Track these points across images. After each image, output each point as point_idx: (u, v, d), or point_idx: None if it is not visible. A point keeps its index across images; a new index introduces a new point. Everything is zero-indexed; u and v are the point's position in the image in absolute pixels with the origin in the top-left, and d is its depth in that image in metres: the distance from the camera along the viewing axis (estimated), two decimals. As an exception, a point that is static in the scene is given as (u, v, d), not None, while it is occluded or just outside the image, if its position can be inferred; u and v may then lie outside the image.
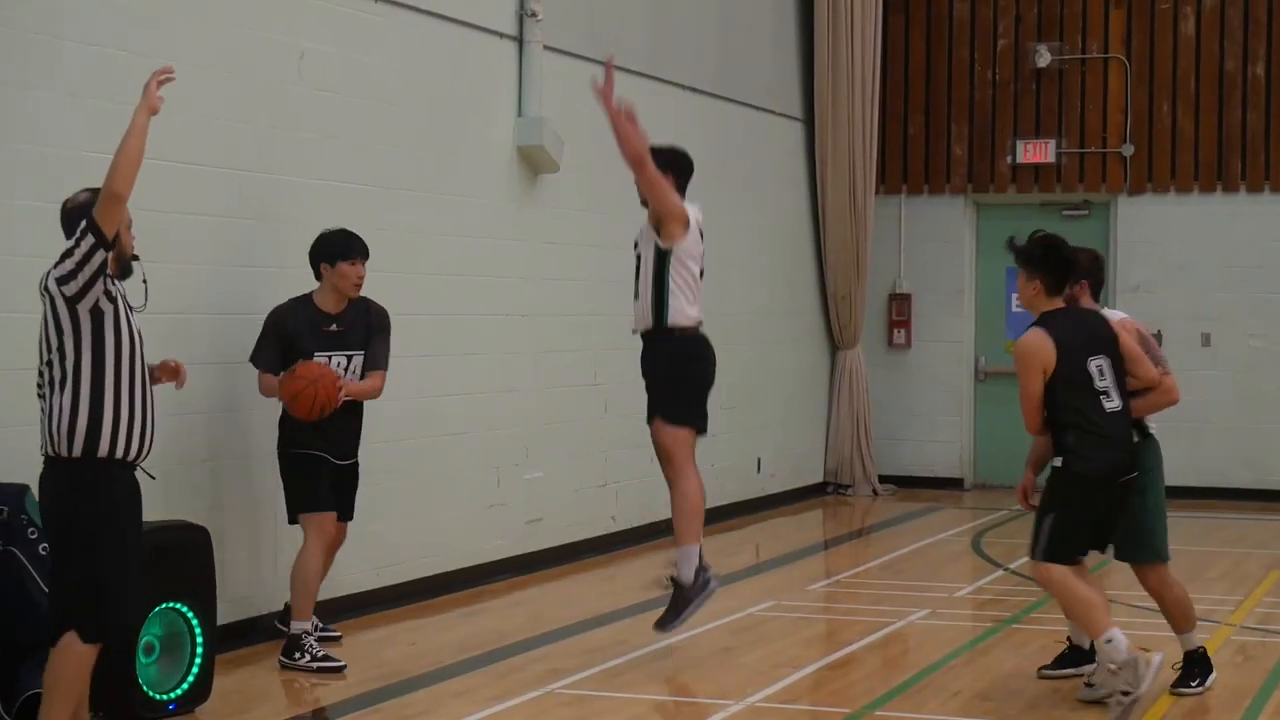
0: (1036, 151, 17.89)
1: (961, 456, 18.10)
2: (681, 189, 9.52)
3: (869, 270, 17.72)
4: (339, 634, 9.85)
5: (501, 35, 12.26)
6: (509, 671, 9.14)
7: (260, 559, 9.82)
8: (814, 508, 16.93)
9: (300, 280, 9.46)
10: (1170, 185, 17.61)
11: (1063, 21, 17.90)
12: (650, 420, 9.41)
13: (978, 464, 18.17)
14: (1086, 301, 8.68)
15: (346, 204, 10.37)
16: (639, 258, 9.47)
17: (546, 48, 12.60)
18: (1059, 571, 8.22)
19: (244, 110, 9.72)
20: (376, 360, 9.43)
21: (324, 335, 9.24)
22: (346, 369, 9.28)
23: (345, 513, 9.50)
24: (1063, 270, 8.41)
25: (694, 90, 15.14)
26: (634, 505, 13.90)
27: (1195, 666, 8.75)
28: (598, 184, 13.41)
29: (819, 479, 17.71)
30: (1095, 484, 8.25)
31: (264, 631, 9.67)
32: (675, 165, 9.59)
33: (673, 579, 9.18)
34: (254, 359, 9.25)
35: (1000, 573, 12.68)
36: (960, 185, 18.17)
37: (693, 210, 9.46)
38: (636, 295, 9.42)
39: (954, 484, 17.99)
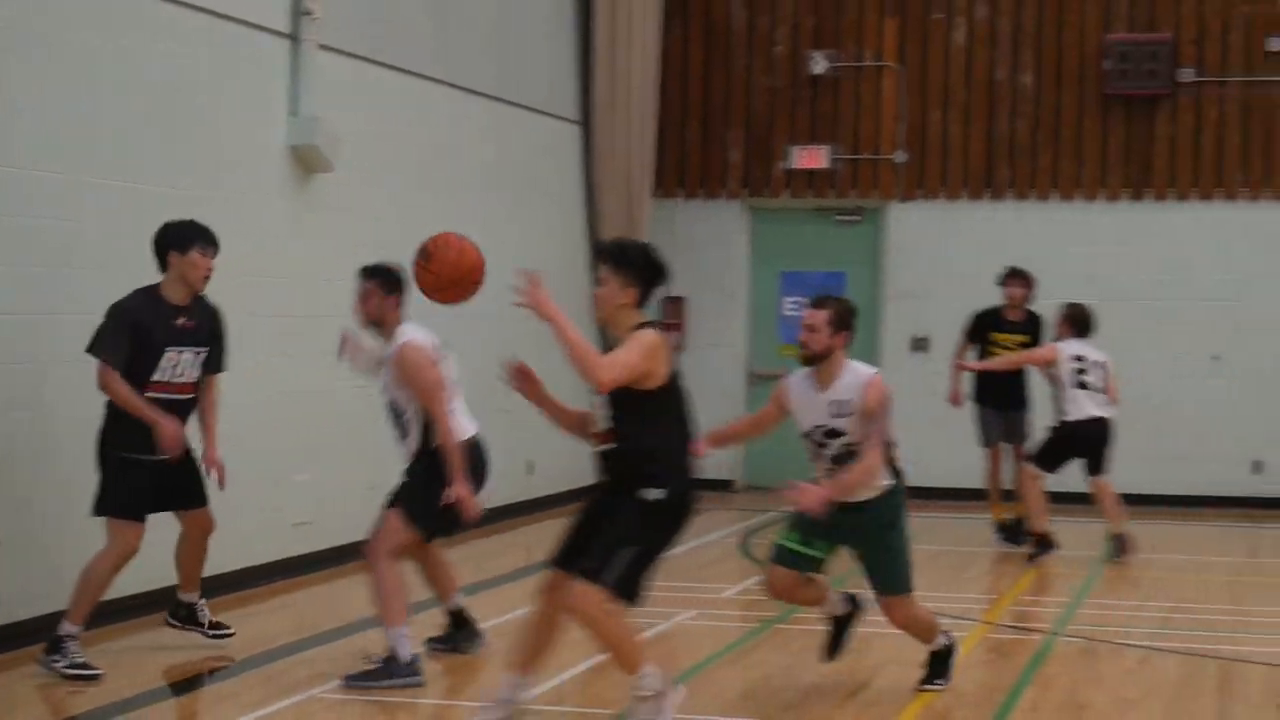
0: (811, 157, 18.16)
1: (732, 458, 18.31)
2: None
3: (646, 273, 17.80)
4: (231, 630, 9.80)
5: (275, 33, 12.15)
6: (274, 676, 9.08)
7: (29, 561, 9.63)
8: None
9: (76, 280, 9.29)
10: (941, 192, 17.99)
11: (839, 30, 18.20)
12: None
13: (748, 466, 18.38)
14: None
15: (112, 203, 10.22)
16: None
17: (323, 47, 12.51)
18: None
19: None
20: (220, 363, 9.41)
21: (176, 329, 9.10)
22: (193, 364, 9.17)
23: (195, 500, 9.40)
24: (657, 281, 7.66)
25: (473, 92, 15.15)
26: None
27: (939, 664, 8.92)
28: (374, 185, 13.37)
29: (591, 480, 17.75)
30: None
31: (28, 636, 9.47)
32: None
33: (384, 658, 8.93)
34: (100, 351, 8.96)
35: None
36: (736, 190, 18.39)
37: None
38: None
39: (723, 485, 18.17)
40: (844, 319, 8.39)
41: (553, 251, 16.90)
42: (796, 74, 18.28)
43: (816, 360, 8.42)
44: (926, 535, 14.92)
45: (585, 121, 17.56)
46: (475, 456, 9.35)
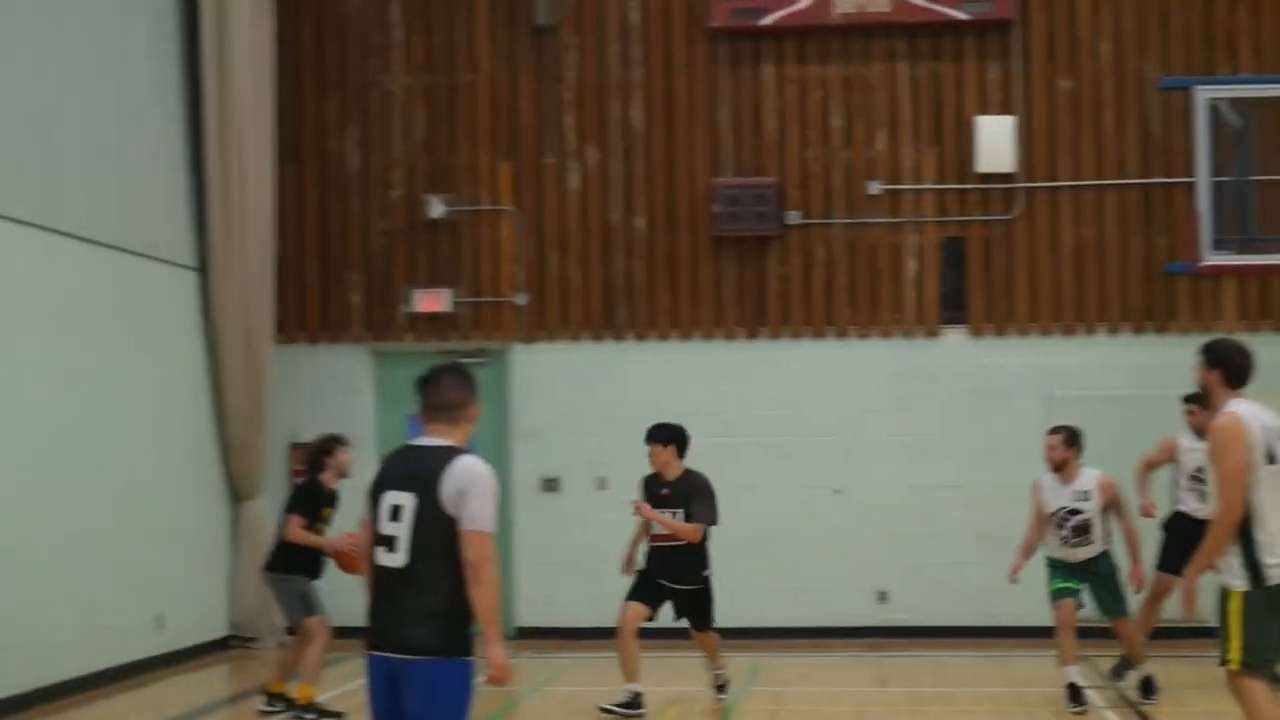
0: (432, 300, 18.15)
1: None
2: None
3: (268, 419, 17.51)
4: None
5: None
6: None
7: None
8: (219, 663, 16.50)
9: None
10: (562, 333, 18.16)
11: (453, 173, 18.30)
12: None
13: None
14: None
15: None
16: None
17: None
18: None
19: None
20: None
21: None
22: None
23: None
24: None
25: (86, 240, 14.72)
26: (23, 667, 13.27)
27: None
28: None
29: (224, 633, 17.28)
30: None
31: None
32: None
33: None
34: None
35: None
36: (359, 334, 18.25)
37: None
38: None
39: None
40: (1073, 439, 13.14)
41: (174, 398, 16.46)
42: (414, 217, 18.30)
43: (1059, 467, 13.06)
44: (565, 677, 14.91)
45: (203, 267, 17.19)
46: None
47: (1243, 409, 8.81)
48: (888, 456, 17.85)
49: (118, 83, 15.56)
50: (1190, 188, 17.61)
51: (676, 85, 18.30)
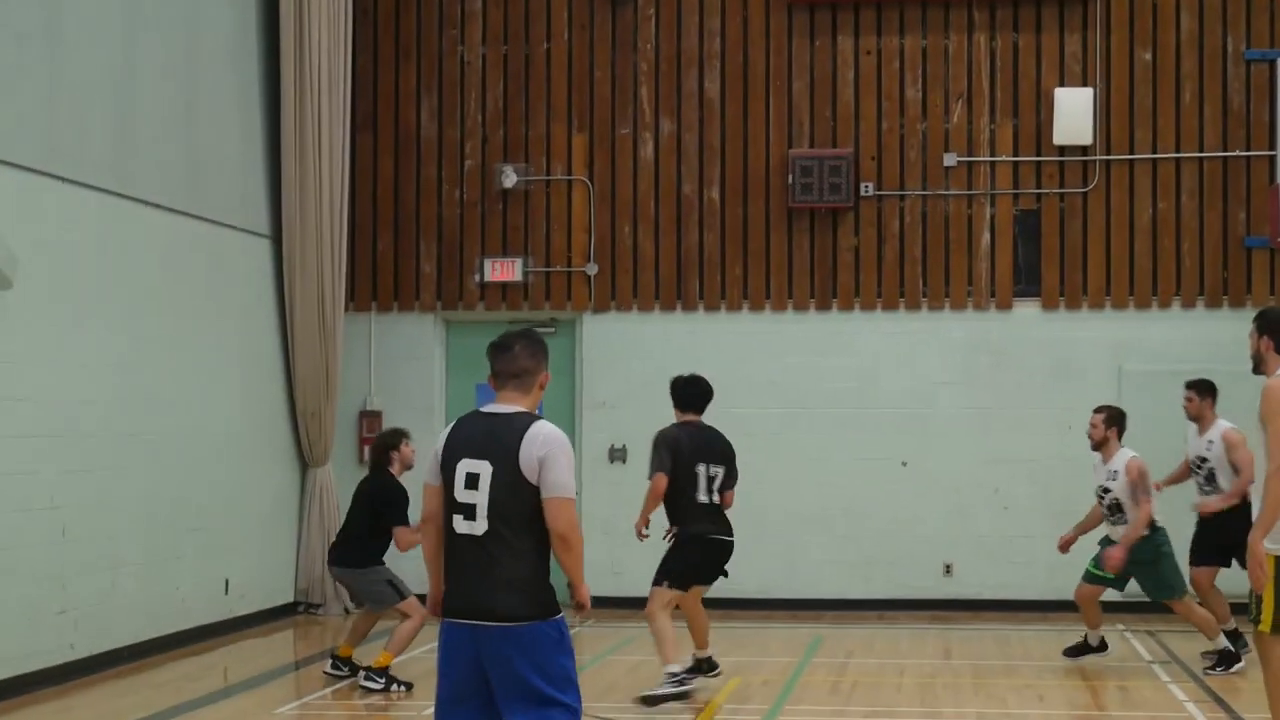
0: (504, 270, 18.19)
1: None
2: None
3: (339, 388, 17.61)
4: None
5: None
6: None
7: None
8: (285, 628, 16.62)
9: None
10: (633, 304, 18.16)
11: (528, 144, 18.32)
12: None
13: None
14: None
15: None
16: None
17: (-1, 161, 12.16)
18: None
19: None
20: None
21: None
22: None
23: None
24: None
25: (159, 207, 14.82)
26: (94, 632, 13.43)
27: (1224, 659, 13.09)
28: (55, 301, 12.96)
29: (290, 599, 17.42)
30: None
31: None
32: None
33: None
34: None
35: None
36: (430, 303, 18.31)
37: None
38: None
39: (422, 600, 17.86)
40: (1114, 419, 13.45)
41: (246, 366, 16.59)
42: (487, 187, 18.34)
43: (1099, 446, 13.41)
44: (631, 646, 14.94)
45: (276, 235, 17.30)
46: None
47: (1295, 374, 8.88)
48: (957, 430, 17.75)
49: (192, 47, 15.64)
50: (1270, 161, 17.39)
51: (753, 56, 18.23)
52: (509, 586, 6.82)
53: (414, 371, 18.24)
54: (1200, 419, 13.61)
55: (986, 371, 17.78)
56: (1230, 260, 17.53)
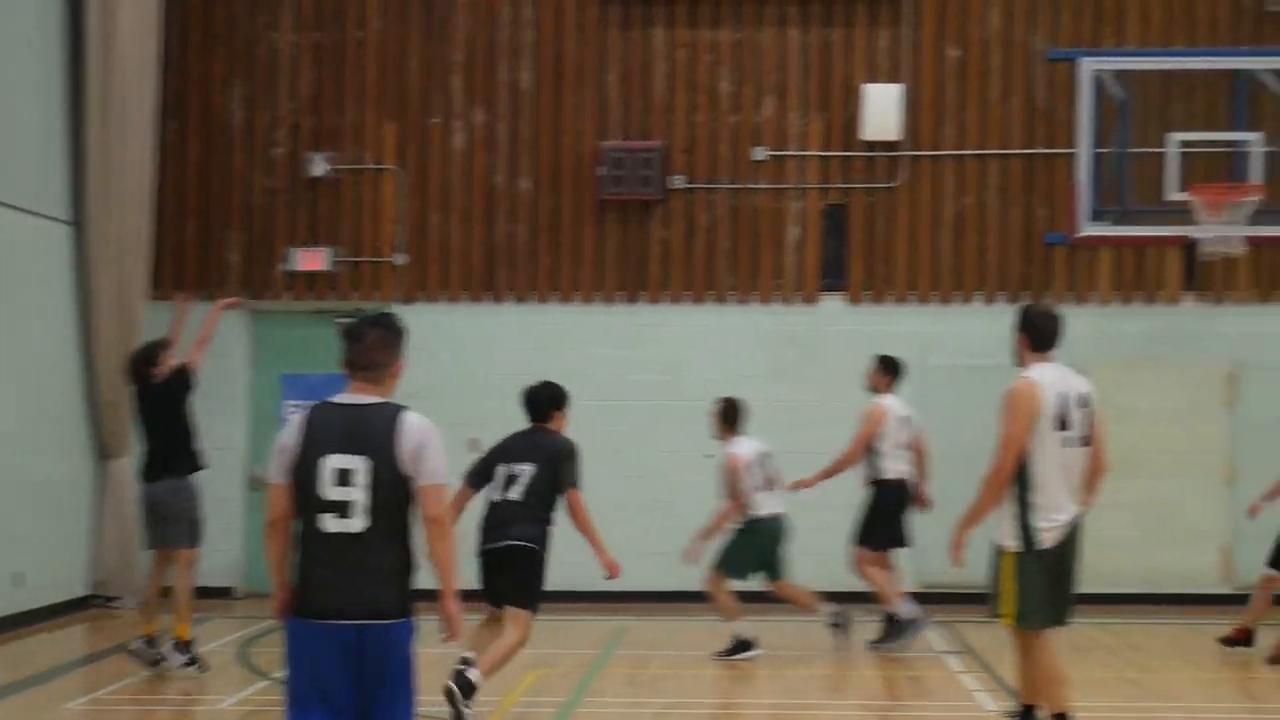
0: (312, 259, 18.00)
1: (233, 564, 17.87)
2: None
3: (140, 377, 17.27)
4: None
5: None
6: None
7: None
8: (78, 622, 16.33)
9: None
10: (441, 294, 18.04)
11: (338, 132, 18.14)
12: None
13: (249, 571, 17.97)
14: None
15: None
16: None
17: None
18: None
19: None
20: None
21: None
22: None
23: None
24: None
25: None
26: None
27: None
28: None
29: (84, 592, 17.09)
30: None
31: None
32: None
33: None
34: None
35: (265, 682, 12.54)
36: (236, 291, 18.04)
37: None
38: None
39: (223, 593, 17.69)
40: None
41: (40, 353, 16.25)
42: (296, 175, 18.14)
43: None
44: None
45: (78, 221, 16.95)
46: None
47: (1041, 374, 9.13)
48: (764, 422, 17.77)
49: (-10, 31, 15.33)
50: (1071, 159, 17.63)
51: (566, 47, 18.21)
52: (388, 582, 6.79)
53: (218, 361, 17.88)
54: None
55: (793, 365, 17.89)
56: (1031, 256, 17.80)
